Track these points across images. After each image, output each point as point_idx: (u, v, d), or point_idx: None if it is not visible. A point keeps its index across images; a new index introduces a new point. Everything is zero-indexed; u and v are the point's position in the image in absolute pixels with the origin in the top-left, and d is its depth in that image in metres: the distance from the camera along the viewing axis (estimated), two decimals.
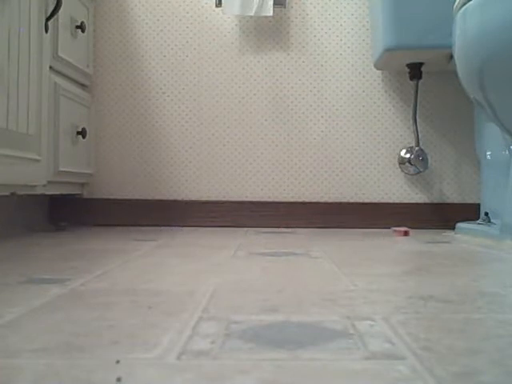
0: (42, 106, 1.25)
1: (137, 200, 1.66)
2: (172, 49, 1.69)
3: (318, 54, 1.69)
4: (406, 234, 1.42)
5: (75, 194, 1.63)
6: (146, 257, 0.95)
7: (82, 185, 1.63)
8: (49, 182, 1.32)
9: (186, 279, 0.74)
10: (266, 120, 1.68)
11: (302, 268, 0.85)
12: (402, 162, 1.65)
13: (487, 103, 1.19)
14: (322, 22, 1.69)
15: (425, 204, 1.67)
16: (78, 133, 1.49)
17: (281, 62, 1.69)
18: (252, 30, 1.69)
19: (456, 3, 1.22)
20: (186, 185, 1.68)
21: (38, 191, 1.28)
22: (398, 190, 1.67)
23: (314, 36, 1.69)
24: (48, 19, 1.28)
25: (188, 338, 0.44)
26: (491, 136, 1.44)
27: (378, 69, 1.66)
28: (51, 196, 1.61)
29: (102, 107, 1.68)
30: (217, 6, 1.66)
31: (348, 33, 1.69)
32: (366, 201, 1.67)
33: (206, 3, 1.69)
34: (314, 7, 1.70)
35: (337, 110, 1.68)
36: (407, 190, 1.68)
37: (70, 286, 0.67)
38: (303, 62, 1.69)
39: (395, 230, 1.46)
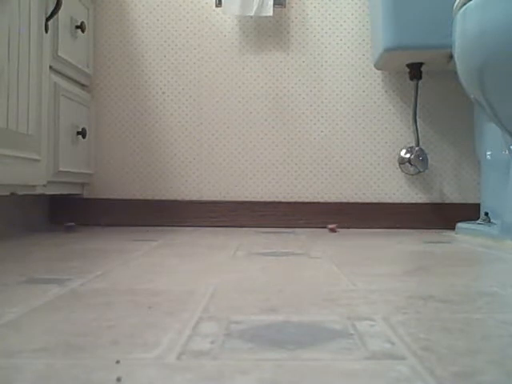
0: (42, 106, 1.25)
1: (137, 200, 1.66)
2: (172, 49, 1.69)
3: (318, 54, 1.69)
4: (332, 230, 1.52)
5: (75, 194, 1.63)
6: (146, 257, 0.95)
7: (82, 185, 1.63)
8: (49, 182, 1.32)
9: (186, 279, 0.74)
10: (265, 120, 1.68)
11: (302, 268, 0.85)
12: (402, 161, 1.65)
13: (487, 103, 1.19)
14: (322, 21, 1.69)
15: (425, 204, 1.67)
16: (78, 133, 1.49)
17: (281, 62, 1.69)
18: (252, 30, 1.69)
19: (456, 3, 1.22)
20: (186, 185, 1.68)
21: (38, 191, 1.28)
22: (397, 189, 1.67)
23: (314, 36, 1.69)
24: (48, 19, 1.28)
25: (188, 338, 0.44)
26: (491, 136, 1.44)
27: (378, 69, 1.66)
28: (51, 196, 1.61)
29: (102, 107, 1.68)
30: (217, 6, 1.66)
31: (348, 33, 1.69)
32: (366, 201, 1.67)
33: (206, 3, 1.69)
34: (314, 7, 1.70)
35: (337, 109, 1.68)
36: (407, 190, 1.68)
37: (70, 286, 0.67)
38: (303, 61, 1.69)
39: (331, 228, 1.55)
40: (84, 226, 1.58)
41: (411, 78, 1.61)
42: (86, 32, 1.54)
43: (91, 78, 1.65)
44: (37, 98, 1.22)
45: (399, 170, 1.67)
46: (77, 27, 1.48)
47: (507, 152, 1.31)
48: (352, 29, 1.69)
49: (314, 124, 1.68)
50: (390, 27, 1.47)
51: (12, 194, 1.15)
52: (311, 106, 1.68)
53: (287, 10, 1.69)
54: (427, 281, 0.74)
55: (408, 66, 1.59)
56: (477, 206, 1.54)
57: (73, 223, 1.53)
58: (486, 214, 1.40)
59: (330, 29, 1.69)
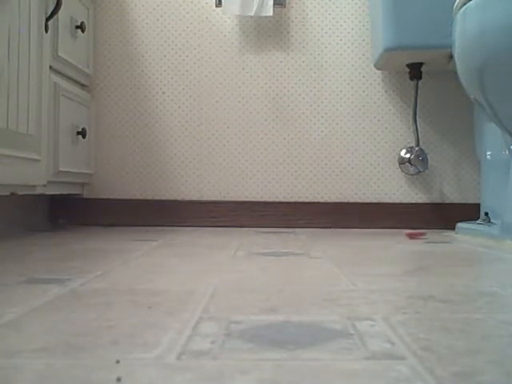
0: (42, 106, 1.25)
1: (137, 200, 1.66)
2: (172, 49, 1.69)
3: (318, 54, 1.69)
4: (420, 235, 1.37)
5: (75, 194, 1.63)
6: (146, 257, 0.95)
7: (82, 185, 1.63)
8: (49, 182, 1.32)
9: (186, 279, 0.74)
10: (265, 120, 1.68)
11: (302, 268, 0.85)
12: (402, 161, 1.65)
13: (487, 103, 1.19)
14: (322, 21, 1.69)
15: (425, 204, 1.67)
16: (78, 133, 1.49)
17: (281, 62, 1.69)
18: (252, 30, 1.69)
19: (456, 3, 1.22)
20: (186, 185, 1.68)
21: (38, 191, 1.28)
22: (398, 189, 1.67)
23: (314, 36, 1.69)
24: (48, 19, 1.28)
25: (188, 338, 0.44)
26: (491, 136, 1.44)
27: (378, 69, 1.66)
28: (51, 196, 1.61)
29: (102, 107, 1.68)
30: (217, 6, 1.66)
31: (348, 33, 1.69)
32: (366, 201, 1.67)
33: (206, 3, 1.69)
34: (314, 7, 1.70)
35: (337, 109, 1.68)
36: (407, 190, 1.68)
37: (70, 286, 0.67)
38: (303, 61, 1.69)
39: (409, 234, 1.38)
40: (84, 226, 1.58)
41: (411, 78, 1.61)
42: (86, 32, 1.54)
43: (91, 77, 1.65)
44: (37, 98, 1.22)
45: (399, 170, 1.67)
46: (77, 27, 1.48)
47: (507, 152, 1.31)
48: (352, 29, 1.69)
49: (314, 124, 1.68)
50: (390, 27, 1.47)
51: (12, 193, 1.15)
52: (311, 106, 1.68)
53: (287, 10, 1.69)
54: (427, 281, 0.74)
55: (408, 66, 1.59)
56: (477, 206, 1.54)
57: (64, 220, 1.53)
58: (486, 213, 1.40)
59: (329, 29, 1.69)
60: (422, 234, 1.38)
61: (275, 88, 1.68)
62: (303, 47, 1.69)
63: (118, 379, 0.35)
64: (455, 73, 1.27)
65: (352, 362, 0.39)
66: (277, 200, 1.67)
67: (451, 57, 1.36)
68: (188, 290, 0.65)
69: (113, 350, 0.41)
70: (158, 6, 1.69)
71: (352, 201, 1.67)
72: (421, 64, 1.58)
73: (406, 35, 1.46)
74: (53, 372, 0.37)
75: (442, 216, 1.65)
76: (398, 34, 1.46)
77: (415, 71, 1.59)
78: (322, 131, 1.68)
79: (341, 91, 1.69)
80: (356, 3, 1.69)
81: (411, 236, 1.36)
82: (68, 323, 0.49)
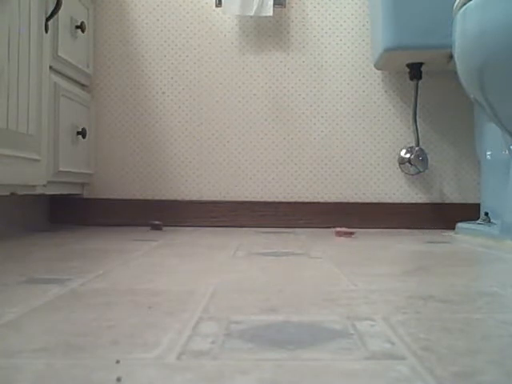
0: (42, 106, 1.25)
1: (137, 200, 1.66)
2: (172, 49, 1.69)
3: (318, 54, 1.69)
4: (350, 234, 1.38)
5: (75, 194, 1.63)
6: (146, 257, 0.95)
7: (82, 185, 1.63)
8: (49, 182, 1.32)
9: (186, 279, 0.74)
10: (265, 120, 1.68)
11: (302, 268, 0.85)
12: (402, 161, 1.65)
13: (487, 103, 1.19)
14: (322, 22, 1.69)
15: (425, 204, 1.67)
16: (78, 133, 1.49)
17: (281, 62, 1.69)
18: (252, 30, 1.69)
19: (456, 3, 1.22)
20: (186, 185, 1.68)
21: (38, 191, 1.28)
22: (398, 189, 1.67)
23: (314, 36, 1.69)
24: (48, 19, 1.28)
25: (188, 338, 0.44)
26: (491, 136, 1.44)
27: (378, 69, 1.66)
28: (51, 196, 1.61)
29: (102, 107, 1.68)
30: (217, 6, 1.66)
31: (348, 33, 1.69)
32: (366, 201, 1.67)
33: (206, 3, 1.69)
34: (314, 7, 1.70)
35: (337, 110, 1.68)
36: (407, 190, 1.68)
37: (70, 286, 0.67)
38: (303, 62, 1.69)
39: (338, 231, 1.40)
40: (84, 226, 1.58)
41: (411, 78, 1.61)
42: (85, 32, 1.54)
43: (91, 77, 1.65)
44: (37, 98, 1.22)
45: (399, 169, 1.67)
46: (77, 27, 1.48)
47: (507, 152, 1.31)
48: (352, 29, 1.69)
49: (314, 124, 1.68)
50: (389, 27, 1.47)
51: (12, 193, 1.15)
52: (311, 106, 1.68)
53: (287, 10, 1.69)
54: (427, 281, 0.74)
55: (408, 66, 1.59)
56: (477, 206, 1.54)
57: (159, 222, 1.53)
58: (486, 213, 1.40)
59: (330, 29, 1.69)
60: (351, 234, 1.39)
61: (275, 88, 1.68)
62: (303, 47, 1.69)
63: (118, 379, 0.35)
64: (455, 73, 1.27)
65: (352, 362, 0.39)
66: (277, 200, 1.67)
67: (451, 57, 1.36)
68: (188, 290, 0.65)
69: (113, 350, 0.41)
70: (158, 6, 1.69)
71: (352, 201, 1.67)
72: (421, 64, 1.58)
73: (405, 35, 1.46)
74: (53, 372, 0.37)
75: (442, 216, 1.65)
76: (398, 34, 1.46)
77: (415, 71, 1.59)
78: (322, 131, 1.68)
79: (341, 91, 1.69)
80: (356, 3, 1.69)
81: (340, 234, 1.38)
82: (68, 323, 0.49)
